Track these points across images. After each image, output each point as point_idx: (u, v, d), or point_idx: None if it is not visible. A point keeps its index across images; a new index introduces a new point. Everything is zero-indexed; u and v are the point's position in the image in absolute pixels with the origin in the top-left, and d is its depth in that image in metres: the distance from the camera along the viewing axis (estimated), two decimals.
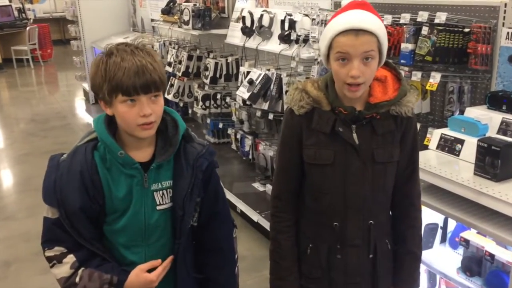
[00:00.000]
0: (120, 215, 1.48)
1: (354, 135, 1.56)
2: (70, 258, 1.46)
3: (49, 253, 1.49)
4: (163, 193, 1.51)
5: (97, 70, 1.39)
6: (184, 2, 5.37)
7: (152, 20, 6.77)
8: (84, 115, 7.55)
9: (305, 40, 3.56)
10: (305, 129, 1.59)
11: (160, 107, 1.43)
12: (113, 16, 7.90)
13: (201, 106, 5.13)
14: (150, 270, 1.49)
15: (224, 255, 1.65)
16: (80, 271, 1.45)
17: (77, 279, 1.45)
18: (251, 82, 3.95)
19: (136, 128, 1.41)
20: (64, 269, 1.46)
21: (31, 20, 12.68)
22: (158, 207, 1.50)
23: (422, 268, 2.26)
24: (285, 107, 3.17)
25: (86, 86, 8.09)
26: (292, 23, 3.78)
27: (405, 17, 2.68)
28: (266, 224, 3.60)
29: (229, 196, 4.13)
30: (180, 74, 5.35)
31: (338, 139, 1.56)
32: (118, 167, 1.45)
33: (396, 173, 1.63)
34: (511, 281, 1.79)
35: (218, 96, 5.11)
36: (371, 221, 1.61)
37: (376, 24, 1.46)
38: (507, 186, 1.87)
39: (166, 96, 5.82)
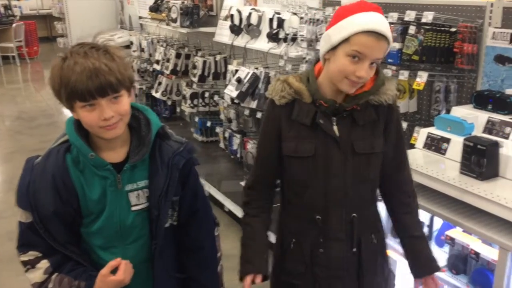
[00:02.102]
0: (96, 217, 1.46)
1: (335, 128, 1.57)
2: (44, 264, 1.44)
3: (24, 257, 1.46)
4: (138, 194, 1.48)
5: (53, 76, 1.36)
6: None
7: (140, 17, 6.73)
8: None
9: (294, 39, 3.56)
10: (284, 120, 1.59)
11: (123, 106, 1.39)
12: (101, 13, 7.85)
13: (189, 104, 5.12)
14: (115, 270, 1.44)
15: (206, 254, 1.64)
16: (53, 277, 1.43)
17: (50, 285, 1.42)
18: (239, 80, 3.95)
19: (100, 130, 1.38)
20: (37, 275, 1.44)
21: (18, 17, 12.50)
22: (133, 208, 1.48)
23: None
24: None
25: None
26: (281, 22, 3.78)
27: (393, 16, 2.69)
28: None
29: (217, 194, 4.11)
30: (168, 72, 5.32)
31: (319, 131, 1.57)
32: (91, 169, 1.43)
33: (384, 163, 1.64)
34: (496, 279, 1.80)
35: (206, 94, 5.10)
36: (354, 214, 1.61)
37: (390, 34, 1.48)
38: (492, 185, 1.88)
39: (154, 94, 5.79)
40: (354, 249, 1.64)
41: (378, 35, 1.44)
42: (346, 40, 1.46)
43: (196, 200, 1.60)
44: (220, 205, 4.04)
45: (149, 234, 1.52)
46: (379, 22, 1.45)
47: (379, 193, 1.74)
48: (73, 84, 1.31)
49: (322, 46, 1.55)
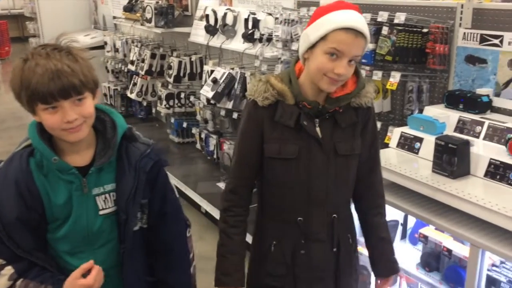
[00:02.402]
0: (62, 223, 1.42)
1: (318, 129, 1.57)
2: (8, 270, 1.39)
3: None
4: (105, 197, 1.45)
5: (14, 78, 1.31)
6: None
7: (114, 17, 6.63)
8: None
9: (269, 39, 3.57)
10: (267, 122, 1.58)
11: (87, 109, 1.35)
12: (74, 13, 7.68)
13: (165, 105, 5.07)
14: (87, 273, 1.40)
15: (176, 256, 1.61)
16: (19, 282, 1.39)
17: None
18: (215, 81, 3.93)
19: (62, 132, 1.34)
20: (2, 281, 1.39)
21: None
22: (100, 212, 1.45)
23: None
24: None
25: None
26: (256, 22, 3.78)
27: (366, 17, 2.71)
28: None
29: (194, 196, 4.09)
30: (143, 72, 5.27)
31: (302, 133, 1.56)
32: (55, 173, 1.39)
33: (359, 164, 1.65)
34: (468, 276, 1.83)
35: (182, 95, 5.06)
36: (334, 215, 1.63)
37: (368, 32, 1.49)
38: (463, 183, 1.91)
39: (129, 95, 5.73)
40: (334, 249, 1.65)
41: (355, 32, 1.44)
42: (323, 38, 1.46)
43: (165, 202, 1.57)
44: (197, 207, 4.02)
45: (118, 238, 1.49)
46: (355, 19, 1.45)
47: None
48: (34, 86, 1.27)
49: (301, 46, 1.54)
